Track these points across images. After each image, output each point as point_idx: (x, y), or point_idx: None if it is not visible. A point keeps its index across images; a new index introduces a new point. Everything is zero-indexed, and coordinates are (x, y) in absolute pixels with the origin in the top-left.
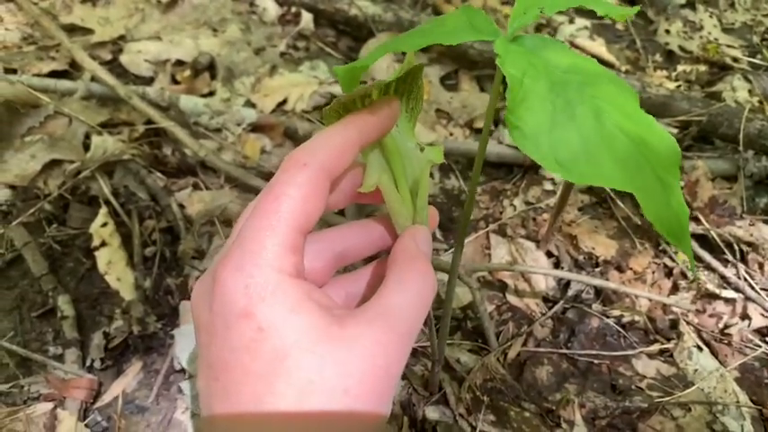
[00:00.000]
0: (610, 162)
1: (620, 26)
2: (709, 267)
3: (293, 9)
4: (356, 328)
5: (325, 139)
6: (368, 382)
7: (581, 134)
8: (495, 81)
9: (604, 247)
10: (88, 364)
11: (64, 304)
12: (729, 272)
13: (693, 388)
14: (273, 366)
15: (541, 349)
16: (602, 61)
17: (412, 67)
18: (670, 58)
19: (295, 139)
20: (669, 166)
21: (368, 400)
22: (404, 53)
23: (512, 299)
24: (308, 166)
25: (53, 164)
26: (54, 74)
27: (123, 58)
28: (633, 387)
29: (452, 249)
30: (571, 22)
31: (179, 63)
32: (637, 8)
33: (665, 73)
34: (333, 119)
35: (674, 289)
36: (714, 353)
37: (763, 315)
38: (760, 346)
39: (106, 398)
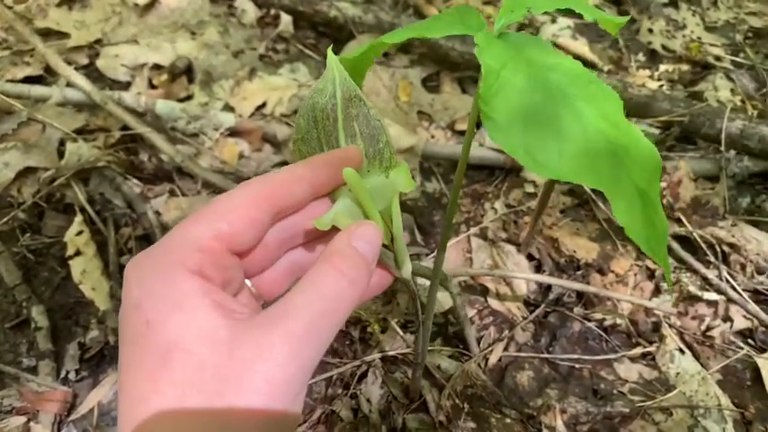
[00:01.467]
0: (584, 161)
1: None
2: (691, 269)
3: (272, 11)
4: (244, 333)
5: (278, 172)
6: (246, 389)
7: (557, 131)
8: (480, 82)
9: (586, 249)
10: (63, 375)
11: (38, 315)
12: (711, 273)
13: (675, 392)
14: (158, 363)
15: (523, 354)
16: (584, 61)
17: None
18: (653, 57)
19: (274, 143)
20: (649, 176)
21: (245, 408)
22: (386, 54)
23: (493, 303)
24: (250, 185)
25: (27, 171)
26: (28, 79)
27: (100, 63)
28: (615, 392)
29: (434, 254)
30: (553, 21)
31: (156, 67)
32: (626, 18)
33: (647, 72)
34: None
35: (657, 291)
36: (696, 355)
37: (745, 317)
38: (742, 348)
39: (82, 410)
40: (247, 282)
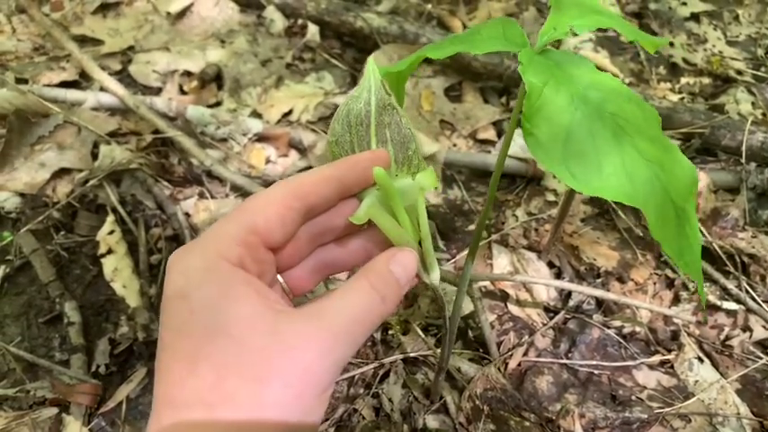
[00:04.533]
0: (624, 180)
1: (624, 38)
2: (710, 279)
3: (300, 21)
4: (285, 322)
5: (307, 172)
6: (282, 374)
7: (597, 149)
8: (520, 93)
9: (606, 257)
10: (93, 369)
11: (70, 311)
12: (731, 284)
13: (694, 399)
14: (199, 348)
15: (542, 359)
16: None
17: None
18: (674, 70)
19: (299, 149)
20: (686, 194)
21: (281, 393)
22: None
23: (513, 309)
24: (282, 185)
25: (62, 172)
26: (64, 84)
27: (132, 69)
28: (633, 398)
29: (454, 260)
30: (575, 34)
31: (187, 74)
32: (666, 40)
33: (668, 85)
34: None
35: (676, 300)
36: (715, 364)
37: (764, 327)
38: (761, 358)
39: (110, 403)
40: (279, 277)
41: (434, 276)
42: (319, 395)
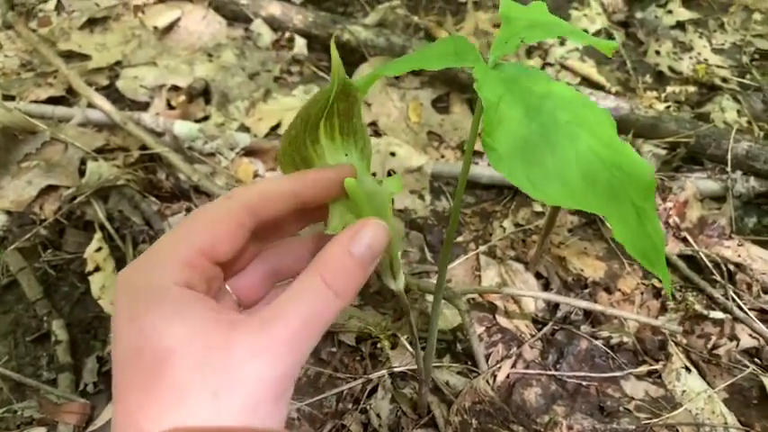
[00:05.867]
0: (582, 185)
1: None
2: (697, 288)
3: (287, 34)
4: (237, 333)
5: (262, 183)
6: (239, 387)
7: (555, 157)
8: (477, 106)
9: (593, 268)
10: (81, 388)
11: (58, 329)
12: (718, 292)
13: (681, 409)
14: (153, 371)
15: (530, 371)
16: (592, 83)
17: (343, 96)
18: (660, 78)
19: None
20: (645, 194)
21: (237, 404)
22: (396, 77)
23: (501, 320)
24: (232, 198)
25: (49, 189)
26: (51, 100)
27: (120, 84)
28: (621, 409)
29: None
30: (562, 44)
31: (175, 88)
32: (616, 43)
33: (654, 94)
34: (287, 162)
35: (663, 310)
36: (702, 374)
37: (750, 335)
38: (748, 367)
39: (99, 422)
40: (228, 289)
41: (400, 282)
42: (277, 401)
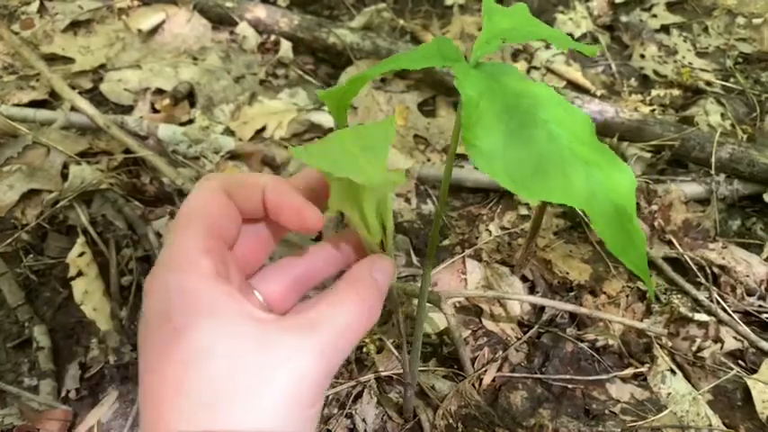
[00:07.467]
0: (563, 182)
1: (598, 50)
2: (682, 291)
3: (273, 38)
4: (274, 334)
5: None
6: (276, 386)
7: (534, 154)
8: (459, 107)
9: (578, 271)
10: (63, 394)
11: (40, 335)
12: (702, 295)
13: (666, 412)
14: (187, 366)
15: (516, 374)
16: (577, 86)
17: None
18: (645, 82)
19: (273, 166)
20: (626, 194)
21: (275, 403)
22: (383, 80)
23: (487, 323)
24: (209, 179)
25: (31, 194)
26: (34, 103)
27: (103, 87)
28: (607, 412)
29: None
30: (547, 47)
31: (159, 91)
32: (596, 48)
33: (639, 97)
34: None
35: (648, 312)
36: (687, 376)
37: (735, 338)
38: (732, 369)
39: (81, 428)
40: (256, 293)
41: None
42: (311, 406)
